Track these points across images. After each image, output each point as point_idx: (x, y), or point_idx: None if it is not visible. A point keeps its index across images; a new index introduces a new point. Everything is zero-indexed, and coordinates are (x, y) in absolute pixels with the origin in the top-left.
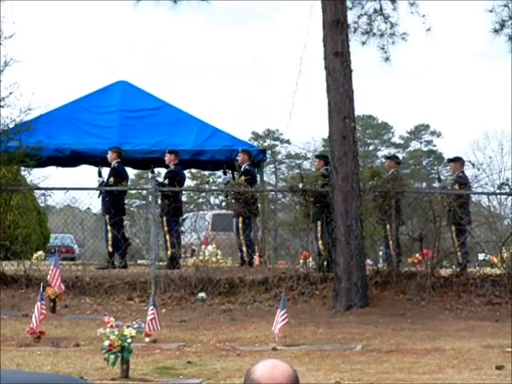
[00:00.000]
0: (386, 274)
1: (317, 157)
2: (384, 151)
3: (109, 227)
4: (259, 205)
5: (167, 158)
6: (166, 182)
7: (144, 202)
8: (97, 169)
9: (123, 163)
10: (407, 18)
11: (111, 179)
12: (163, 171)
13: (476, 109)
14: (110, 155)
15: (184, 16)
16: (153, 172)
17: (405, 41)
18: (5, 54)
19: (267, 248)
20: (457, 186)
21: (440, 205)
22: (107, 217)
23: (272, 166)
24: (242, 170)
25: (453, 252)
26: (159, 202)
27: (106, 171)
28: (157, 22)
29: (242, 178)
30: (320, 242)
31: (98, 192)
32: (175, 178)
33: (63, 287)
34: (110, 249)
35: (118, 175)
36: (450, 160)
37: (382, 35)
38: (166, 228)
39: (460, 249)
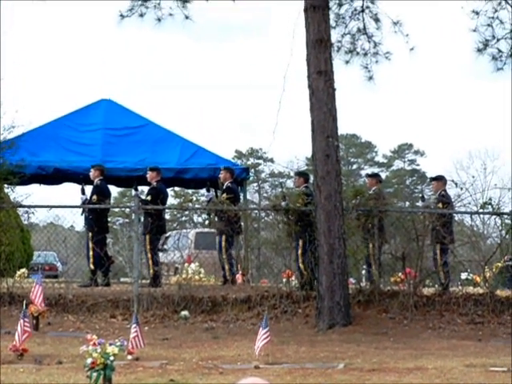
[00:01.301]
0: (368, 292)
1: (297, 174)
2: (367, 170)
3: (91, 245)
4: (242, 223)
5: (149, 175)
6: (149, 198)
7: (127, 220)
8: (80, 186)
9: (106, 181)
10: (391, 38)
11: (94, 197)
12: (147, 189)
13: (460, 128)
14: (92, 173)
15: (168, 33)
16: (136, 190)
17: (388, 60)
18: None
19: (250, 266)
20: (440, 205)
21: (423, 224)
22: (90, 234)
23: (255, 184)
24: (225, 187)
25: (435, 271)
26: (142, 219)
27: (89, 189)
28: (140, 39)
29: (224, 195)
30: (300, 261)
31: (81, 210)
32: (158, 195)
33: (43, 305)
34: (92, 266)
35: (101, 193)
36: (433, 179)
37: (365, 54)
38: (148, 246)
39: (442, 268)
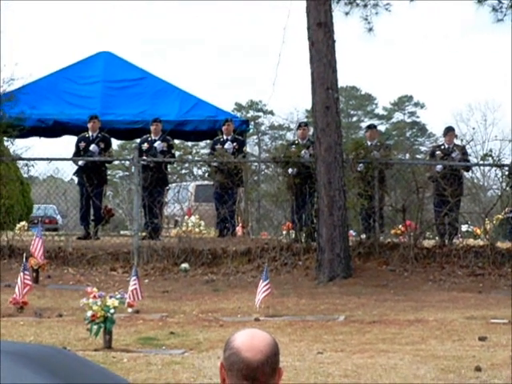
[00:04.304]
0: (368, 244)
1: (305, 124)
2: (367, 122)
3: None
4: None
5: (158, 127)
6: (173, 151)
7: (127, 173)
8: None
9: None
10: None
11: (111, 148)
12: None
13: (459, 80)
14: (96, 124)
15: None
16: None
17: (388, 11)
18: None
19: (250, 219)
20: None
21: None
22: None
23: (255, 137)
24: (241, 139)
25: (442, 223)
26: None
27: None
28: None
29: (246, 147)
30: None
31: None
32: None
33: (44, 258)
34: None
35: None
36: (450, 129)
37: (365, 6)
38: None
39: (445, 220)
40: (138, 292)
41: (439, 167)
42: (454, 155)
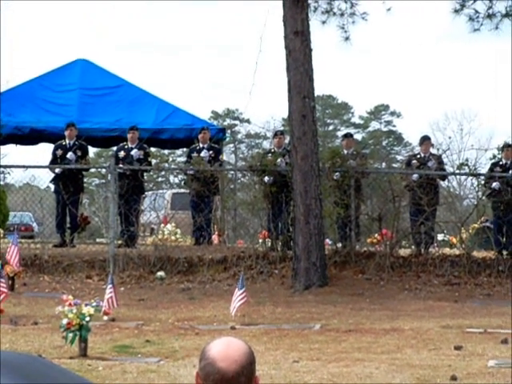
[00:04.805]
0: (344, 253)
1: (281, 133)
2: (344, 131)
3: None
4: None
5: (135, 135)
6: (149, 159)
7: (103, 181)
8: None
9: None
10: None
11: (88, 157)
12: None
13: (436, 89)
14: (73, 131)
15: None
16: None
17: (365, 20)
18: None
19: (226, 227)
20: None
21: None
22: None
23: (232, 145)
24: (217, 148)
25: (418, 232)
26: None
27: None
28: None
29: (223, 155)
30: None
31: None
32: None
33: (19, 265)
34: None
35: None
36: (426, 138)
37: (342, 14)
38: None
39: (421, 229)
40: (113, 300)
41: (415, 176)
42: (430, 164)
